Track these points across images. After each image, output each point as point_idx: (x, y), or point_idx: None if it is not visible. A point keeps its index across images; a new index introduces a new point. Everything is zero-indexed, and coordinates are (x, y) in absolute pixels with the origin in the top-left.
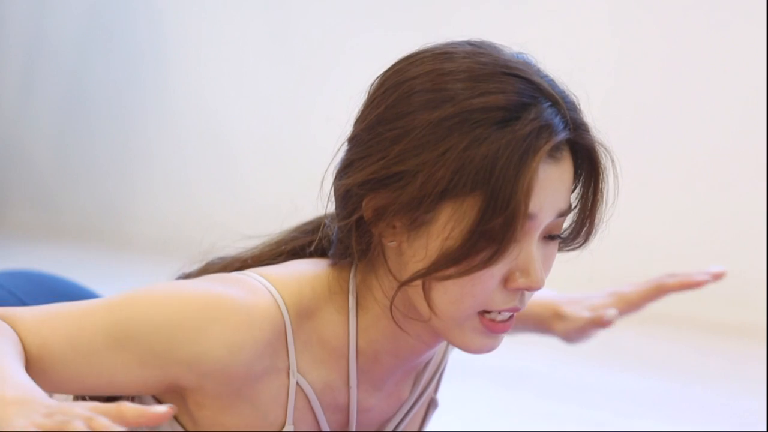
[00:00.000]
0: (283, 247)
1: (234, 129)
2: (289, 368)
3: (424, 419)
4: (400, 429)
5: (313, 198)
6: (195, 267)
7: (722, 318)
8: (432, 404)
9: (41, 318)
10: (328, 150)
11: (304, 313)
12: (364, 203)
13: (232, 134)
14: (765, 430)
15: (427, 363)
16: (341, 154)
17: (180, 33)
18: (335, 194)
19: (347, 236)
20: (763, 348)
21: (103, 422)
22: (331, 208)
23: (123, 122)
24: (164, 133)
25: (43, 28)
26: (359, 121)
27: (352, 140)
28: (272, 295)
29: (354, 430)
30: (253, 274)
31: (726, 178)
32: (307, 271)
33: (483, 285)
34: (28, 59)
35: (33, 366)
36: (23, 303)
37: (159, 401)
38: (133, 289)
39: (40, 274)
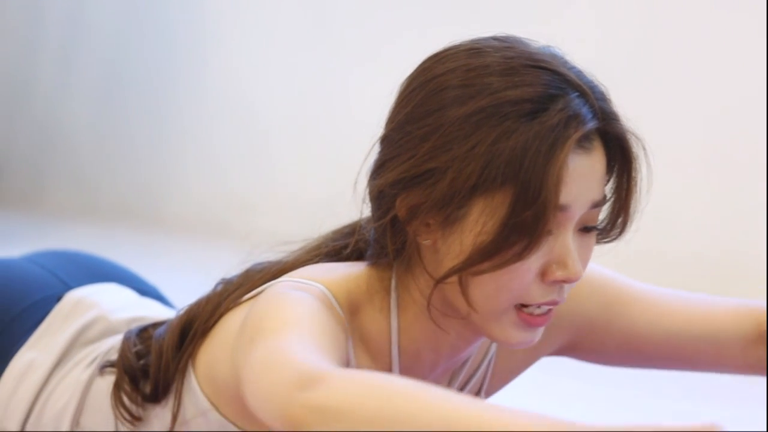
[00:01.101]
0: (322, 250)
1: (268, 112)
2: (348, 364)
3: None
4: None
5: (343, 184)
6: (236, 272)
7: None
8: None
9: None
10: (359, 133)
11: (351, 311)
12: (397, 203)
13: (265, 117)
14: (765, 430)
15: (465, 361)
16: (374, 155)
17: (216, 16)
18: (369, 195)
19: (383, 236)
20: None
21: None
22: (367, 209)
23: (159, 105)
24: (200, 115)
25: (81, 13)
26: (389, 121)
27: (384, 140)
28: (326, 295)
29: None
30: (303, 280)
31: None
32: (348, 271)
33: (519, 278)
34: (67, 42)
35: None
36: (65, 284)
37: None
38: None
39: (81, 254)
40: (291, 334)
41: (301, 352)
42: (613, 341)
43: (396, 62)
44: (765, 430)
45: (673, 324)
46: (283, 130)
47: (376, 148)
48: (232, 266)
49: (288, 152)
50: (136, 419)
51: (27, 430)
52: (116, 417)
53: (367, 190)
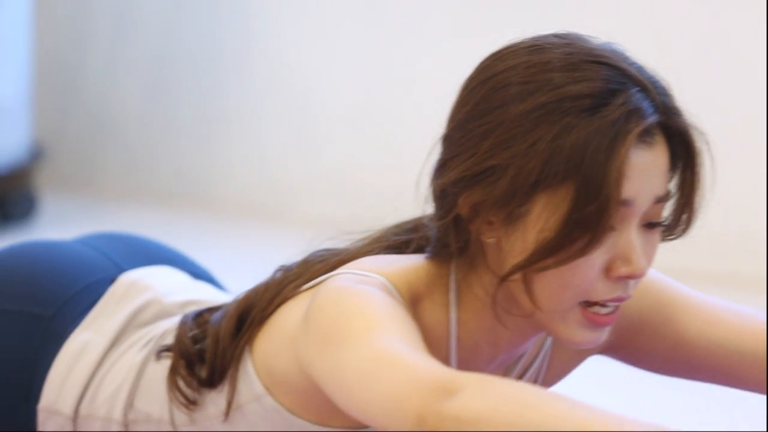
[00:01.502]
0: (383, 243)
1: (317, 97)
2: None
3: None
4: None
5: (393, 168)
6: (295, 261)
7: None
8: None
9: None
10: (408, 119)
11: (412, 302)
12: (459, 201)
13: (314, 103)
14: (765, 430)
15: (521, 355)
16: (436, 155)
17: (265, 1)
18: (432, 194)
19: (445, 235)
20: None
21: None
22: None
23: (208, 89)
24: (249, 100)
25: (130, 2)
26: (450, 120)
27: (445, 140)
28: (388, 287)
29: None
30: (363, 272)
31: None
32: (406, 263)
33: (583, 275)
34: (117, 28)
35: None
36: (118, 266)
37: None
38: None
39: (134, 237)
40: (382, 333)
41: (407, 353)
42: (660, 345)
43: (448, 52)
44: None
45: (720, 334)
46: (332, 116)
47: (437, 148)
48: (289, 253)
49: (337, 138)
50: (191, 403)
51: (81, 411)
52: (171, 401)
53: (430, 190)
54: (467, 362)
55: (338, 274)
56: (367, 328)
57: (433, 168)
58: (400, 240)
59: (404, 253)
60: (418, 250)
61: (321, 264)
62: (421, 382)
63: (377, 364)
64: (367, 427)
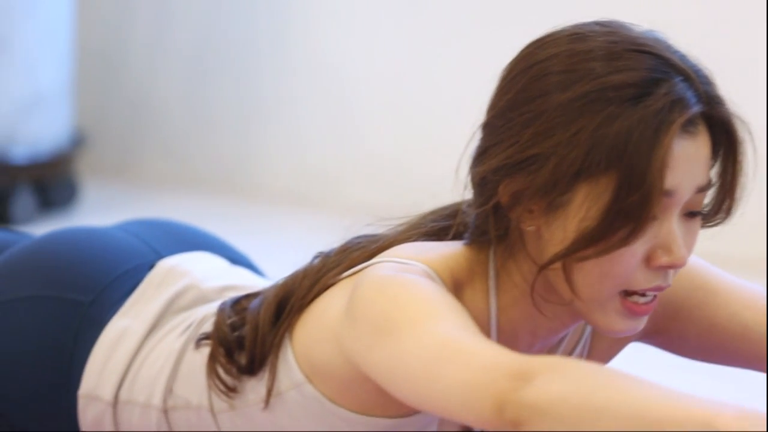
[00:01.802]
0: (421, 230)
1: (356, 84)
2: None
3: None
4: None
5: (432, 155)
6: (335, 246)
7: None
8: None
9: None
10: (451, 110)
11: (452, 289)
12: (500, 189)
13: (353, 90)
14: (765, 430)
15: (561, 340)
16: (475, 142)
17: None
18: (472, 182)
19: (485, 222)
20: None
21: None
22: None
23: (250, 75)
24: (290, 86)
25: None
26: (491, 107)
27: (485, 127)
28: (430, 274)
29: None
30: (404, 260)
31: None
32: (446, 250)
33: (624, 264)
34: (158, 15)
35: None
36: (157, 252)
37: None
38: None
39: (172, 223)
40: (438, 320)
41: (471, 339)
42: (694, 329)
43: (489, 39)
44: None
45: (754, 318)
46: (371, 102)
47: (477, 136)
48: (328, 239)
49: (375, 124)
50: (230, 390)
51: (120, 397)
52: (210, 388)
53: (469, 177)
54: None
55: (379, 262)
56: (423, 316)
57: (473, 155)
58: (438, 226)
59: (442, 240)
60: (457, 236)
61: (360, 251)
62: (497, 368)
63: (443, 351)
64: (410, 415)
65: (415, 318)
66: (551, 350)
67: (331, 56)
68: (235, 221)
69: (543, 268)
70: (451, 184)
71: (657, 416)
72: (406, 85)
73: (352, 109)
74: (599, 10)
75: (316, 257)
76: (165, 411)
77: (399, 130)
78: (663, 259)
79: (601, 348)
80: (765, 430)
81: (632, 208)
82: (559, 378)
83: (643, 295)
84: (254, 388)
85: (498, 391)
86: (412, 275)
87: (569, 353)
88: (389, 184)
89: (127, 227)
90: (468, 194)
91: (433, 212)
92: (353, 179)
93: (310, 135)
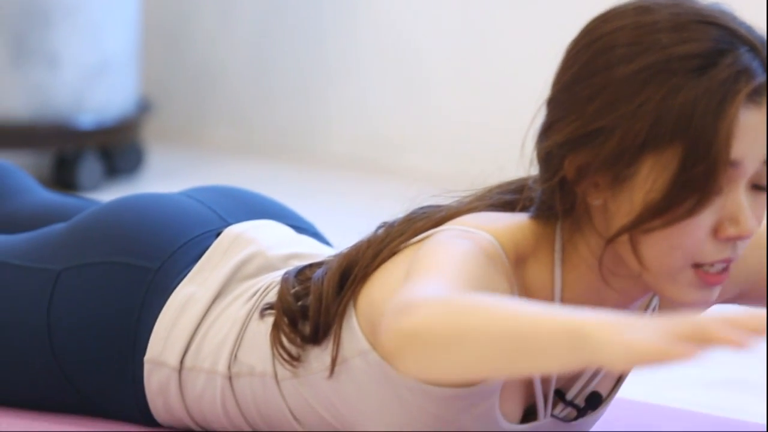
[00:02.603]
0: (486, 201)
1: (422, 53)
2: None
3: (621, 376)
4: (595, 380)
5: (497, 124)
6: (399, 216)
7: None
8: None
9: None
10: (519, 83)
11: (517, 262)
12: (565, 164)
13: (421, 57)
14: (765, 430)
15: None
16: (541, 117)
17: None
18: (537, 157)
19: (551, 196)
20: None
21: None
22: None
23: (316, 42)
24: (356, 53)
25: None
26: (555, 82)
27: (550, 102)
28: (494, 245)
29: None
30: (469, 228)
31: None
32: (512, 221)
33: (691, 236)
34: None
35: None
36: (223, 220)
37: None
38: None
39: (239, 190)
40: (432, 278)
41: (423, 290)
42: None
43: (559, 11)
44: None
45: None
46: (438, 71)
47: (542, 111)
48: (393, 207)
49: (442, 94)
50: (294, 359)
51: (185, 363)
52: (275, 356)
53: (535, 152)
54: None
55: (443, 230)
56: (421, 274)
57: (539, 130)
58: (504, 200)
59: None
60: (523, 211)
61: (424, 221)
62: (393, 304)
63: (394, 306)
64: (473, 386)
65: (418, 274)
66: None
67: (398, 23)
68: (299, 188)
69: (610, 241)
70: (517, 156)
71: (527, 330)
72: (474, 54)
73: (418, 78)
74: None
75: (380, 227)
76: (229, 378)
77: (466, 100)
78: (730, 231)
79: None
80: (636, 333)
81: (698, 178)
82: (431, 305)
83: (713, 266)
84: (318, 356)
85: (384, 327)
86: (466, 242)
87: None
88: (456, 153)
89: (193, 194)
90: (534, 170)
91: (499, 186)
92: (418, 147)
93: (375, 102)
